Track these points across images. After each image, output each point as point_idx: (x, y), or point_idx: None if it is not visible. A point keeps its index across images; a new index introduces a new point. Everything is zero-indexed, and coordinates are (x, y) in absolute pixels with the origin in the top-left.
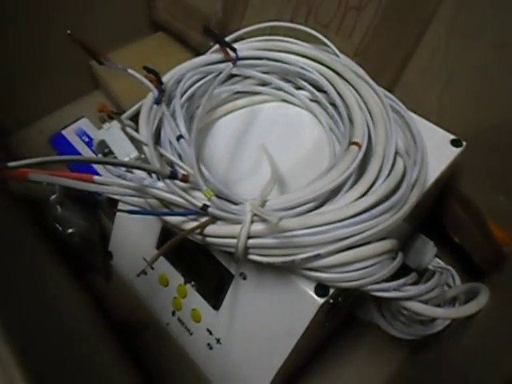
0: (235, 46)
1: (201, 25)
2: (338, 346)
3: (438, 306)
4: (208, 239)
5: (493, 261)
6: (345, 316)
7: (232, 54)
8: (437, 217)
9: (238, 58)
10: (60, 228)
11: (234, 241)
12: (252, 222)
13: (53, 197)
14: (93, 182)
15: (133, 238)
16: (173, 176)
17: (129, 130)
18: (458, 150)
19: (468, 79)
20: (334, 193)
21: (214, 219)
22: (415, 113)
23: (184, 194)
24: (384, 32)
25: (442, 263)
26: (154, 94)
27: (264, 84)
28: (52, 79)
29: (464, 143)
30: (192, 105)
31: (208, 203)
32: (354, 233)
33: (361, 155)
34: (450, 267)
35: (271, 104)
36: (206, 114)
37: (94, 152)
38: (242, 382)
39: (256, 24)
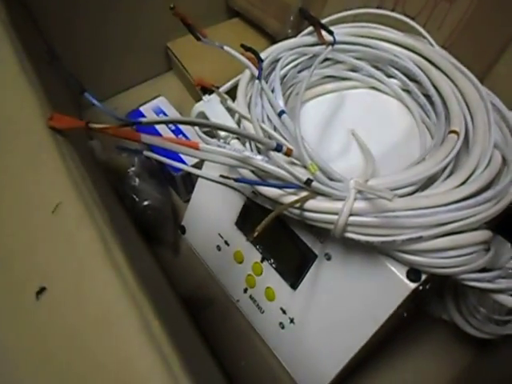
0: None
1: (278, 12)
2: (403, 339)
3: None
4: (307, 214)
5: None
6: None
7: (329, 37)
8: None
9: (336, 42)
10: (137, 199)
11: (334, 217)
12: (355, 199)
13: (132, 168)
14: (198, 149)
15: (210, 213)
16: (278, 149)
17: (229, 102)
18: None
19: None
20: (431, 181)
21: (315, 194)
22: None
23: (288, 167)
24: (476, 27)
25: None
26: (252, 71)
27: (354, 70)
28: (128, 58)
29: None
30: (284, 86)
31: (311, 178)
32: (457, 218)
33: (459, 143)
34: None
35: (360, 90)
36: (295, 95)
37: (170, 129)
38: (312, 364)
39: (340, 11)
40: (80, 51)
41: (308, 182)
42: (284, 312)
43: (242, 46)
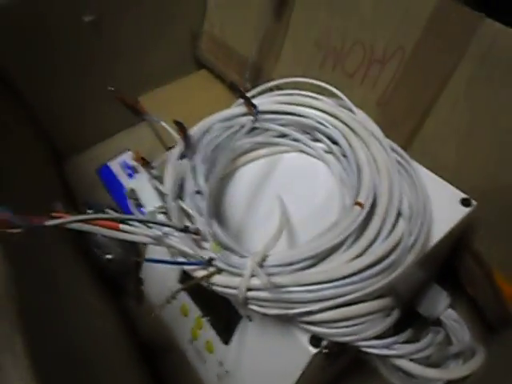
0: (261, 98)
1: (238, 66)
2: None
3: (441, 360)
4: (214, 287)
5: (502, 318)
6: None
7: (253, 109)
8: (455, 268)
9: (258, 112)
10: (99, 254)
11: (235, 291)
12: (251, 276)
13: None
14: (118, 229)
15: (161, 268)
16: (185, 230)
17: (153, 181)
18: (467, 210)
19: (487, 134)
20: (334, 250)
21: (220, 270)
22: (432, 167)
23: (194, 247)
24: (405, 85)
25: (454, 315)
26: (180, 147)
27: (283, 135)
28: (102, 111)
29: (474, 203)
30: (217, 155)
31: (214, 256)
32: (344, 293)
33: (362, 217)
34: (461, 320)
35: (290, 154)
36: (231, 162)
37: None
38: None
39: (286, 74)
40: (59, 108)
41: (210, 260)
42: (221, 364)
43: (174, 122)
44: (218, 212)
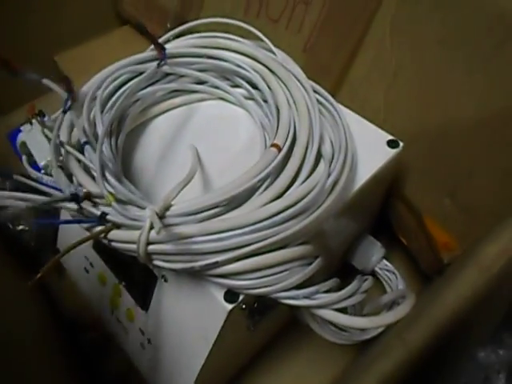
0: (176, 41)
1: (161, 18)
2: (281, 347)
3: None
4: (113, 244)
5: (435, 266)
6: (287, 317)
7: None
8: (387, 218)
9: (168, 57)
10: (10, 225)
11: (135, 246)
12: (151, 228)
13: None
14: None
15: (75, 236)
16: (74, 199)
17: (47, 132)
18: (393, 151)
19: (413, 77)
20: (248, 195)
21: (118, 225)
22: (362, 111)
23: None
24: (330, 28)
25: (390, 266)
26: (63, 101)
27: (201, 82)
28: None
29: (401, 144)
30: (122, 104)
31: (108, 210)
32: (254, 240)
33: (278, 159)
34: (395, 271)
35: (208, 102)
36: (141, 112)
37: None
38: (170, 382)
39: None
40: None
41: (102, 215)
42: (142, 333)
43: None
44: (127, 168)
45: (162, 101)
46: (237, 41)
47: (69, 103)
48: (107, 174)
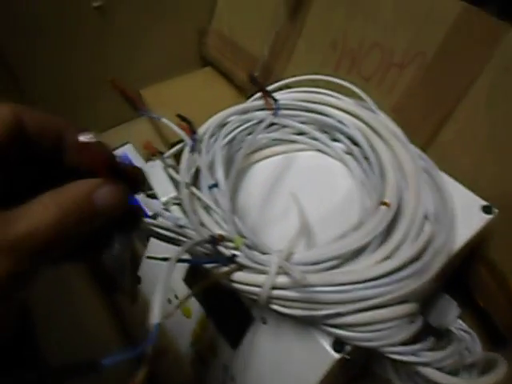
0: (280, 93)
1: (247, 65)
2: None
3: (455, 370)
4: (235, 285)
5: None
6: (360, 369)
7: (272, 103)
8: (463, 278)
9: (279, 108)
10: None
11: (258, 289)
12: (277, 273)
13: None
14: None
15: (162, 266)
16: (212, 241)
17: (170, 170)
18: (488, 217)
19: (506, 145)
20: (360, 251)
21: (242, 267)
22: (449, 175)
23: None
24: (423, 92)
25: (464, 325)
26: (188, 143)
27: (301, 133)
28: (100, 102)
29: (496, 211)
30: (231, 149)
31: (237, 253)
32: (374, 295)
33: (389, 217)
34: (471, 331)
35: (307, 153)
36: (245, 157)
37: None
38: None
39: (299, 74)
40: (55, 96)
41: (232, 257)
42: (226, 369)
43: (178, 115)
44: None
45: (265, 147)
46: (339, 98)
47: (192, 145)
48: (235, 218)
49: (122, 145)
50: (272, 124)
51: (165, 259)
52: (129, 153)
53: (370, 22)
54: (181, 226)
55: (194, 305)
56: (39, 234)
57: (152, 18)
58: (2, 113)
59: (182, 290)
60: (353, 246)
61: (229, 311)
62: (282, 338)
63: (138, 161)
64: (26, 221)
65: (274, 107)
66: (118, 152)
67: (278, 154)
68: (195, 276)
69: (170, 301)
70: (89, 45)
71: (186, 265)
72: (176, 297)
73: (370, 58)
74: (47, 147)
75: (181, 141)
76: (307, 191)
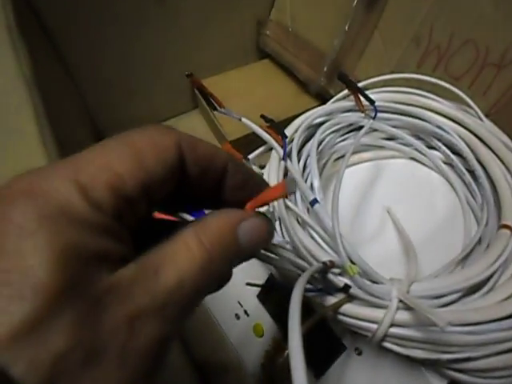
0: (372, 93)
1: (311, 59)
2: None
3: None
4: (341, 317)
5: None
6: None
7: (366, 104)
8: None
9: (377, 111)
10: None
11: (372, 325)
12: (397, 308)
13: None
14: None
15: (233, 280)
16: (323, 270)
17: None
18: None
19: None
20: (481, 284)
21: (352, 298)
22: None
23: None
24: None
25: None
26: (277, 151)
27: (392, 138)
28: (153, 94)
29: None
30: (319, 155)
31: (349, 282)
32: (510, 337)
33: None
34: None
35: (399, 161)
36: (331, 164)
37: None
38: None
39: (372, 72)
40: (105, 87)
41: (346, 287)
42: None
43: (262, 116)
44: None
45: (353, 153)
46: (438, 101)
47: (285, 152)
48: (344, 243)
49: None
50: (359, 127)
51: (262, 286)
52: None
53: (462, 16)
54: (274, 245)
55: (269, 324)
56: (188, 284)
57: (211, 7)
58: (164, 144)
59: (254, 306)
60: (480, 277)
61: (314, 337)
62: (380, 373)
63: None
64: (174, 269)
65: (371, 109)
66: None
67: (365, 161)
68: (269, 294)
69: (237, 316)
70: (149, 35)
71: (260, 281)
72: (246, 313)
73: (460, 55)
74: (207, 188)
75: (263, 142)
76: (402, 205)
